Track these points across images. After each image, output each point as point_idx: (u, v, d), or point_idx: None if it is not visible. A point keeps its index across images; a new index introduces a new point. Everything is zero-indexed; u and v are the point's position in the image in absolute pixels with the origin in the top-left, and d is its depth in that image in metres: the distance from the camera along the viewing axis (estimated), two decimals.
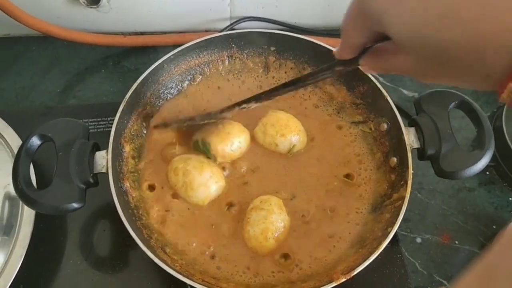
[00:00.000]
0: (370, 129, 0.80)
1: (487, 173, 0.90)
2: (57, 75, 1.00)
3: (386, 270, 0.74)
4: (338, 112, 0.85)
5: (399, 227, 0.81)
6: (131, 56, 1.04)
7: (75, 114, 0.86)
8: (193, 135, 0.77)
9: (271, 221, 0.68)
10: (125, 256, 0.74)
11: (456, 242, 0.82)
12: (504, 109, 0.92)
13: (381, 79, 1.02)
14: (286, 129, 0.78)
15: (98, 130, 0.87)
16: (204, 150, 0.75)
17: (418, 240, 0.82)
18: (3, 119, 0.82)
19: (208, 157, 0.75)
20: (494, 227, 0.84)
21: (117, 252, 0.75)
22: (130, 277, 0.73)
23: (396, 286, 0.73)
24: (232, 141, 0.76)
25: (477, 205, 0.87)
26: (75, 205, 0.62)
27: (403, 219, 0.82)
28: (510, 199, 0.88)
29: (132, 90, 0.75)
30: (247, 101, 0.70)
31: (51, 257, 0.74)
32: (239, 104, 0.71)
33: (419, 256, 0.81)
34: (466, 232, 0.83)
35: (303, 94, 0.87)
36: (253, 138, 0.80)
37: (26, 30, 0.94)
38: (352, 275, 0.61)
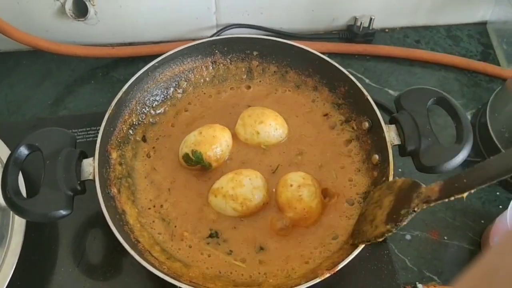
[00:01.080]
0: (353, 128, 0.82)
1: (464, 161, 0.90)
2: (48, 87, 1.01)
3: (374, 266, 0.75)
4: (323, 114, 0.86)
5: None
6: (120, 66, 1.05)
7: (65, 125, 0.86)
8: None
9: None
10: (116, 263, 0.75)
11: (445, 238, 0.83)
12: (488, 105, 0.93)
13: (367, 80, 1.04)
14: (263, 116, 0.80)
15: (88, 139, 0.88)
16: (197, 161, 0.76)
17: (408, 237, 0.83)
18: None
19: (204, 166, 0.76)
20: (482, 221, 0.85)
21: (108, 259, 0.76)
22: (121, 283, 0.74)
23: (384, 282, 0.74)
24: (220, 142, 0.77)
25: (464, 200, 0.86)
26: (62, 212, 0.63)
27: None
28: (498, 193, 0.88)
29: (117, 99, 0.76)
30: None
31: (43, 265, 0.75)
32: None
33: (408, 253, 0.81)
34: (455, 227, 0.84)
35: (282, 97, 0.88)
36: (235, 138, 0.81)
37: (16, 45, 0.95)
38: (336, 270, 0.62)
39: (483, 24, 1.15)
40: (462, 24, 1.15)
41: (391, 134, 0.73)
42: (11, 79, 1.02)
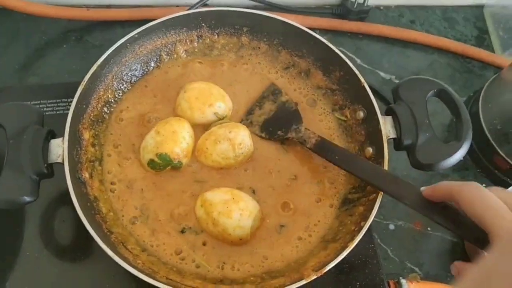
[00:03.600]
0: (346, 117, 0.77)
1: (461, 159, 0.89)
2: (15, 50, 0.93)
3: (358, 260, 0.72)
4: (313, 98, 0.81)
5: None
6: (96, 30, 0.97)
7: (33, 95, 0.81)
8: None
9: None
10: (87, 248, 0.70)
11: (429, 228, 0.82)
12: (482, 94, 0.90)
13: (358, 61, 1.00)
14: (211, 98, 0.75)
15: (57, 112, 0.80)
16: (166, 164, 0.69)
17: (391, 226, 0.82)
18: None
19: (175, 167, 0.70)
20: None
21: (77, 244, 0.70)
22: (92, 269, 0.69)
23: (367, 276, 0.71)
24: (183, 135, 0.70)
25: None
26: (27, 198, 0.58)
27: None
28: (484, 185, 0.86)
29: (90, 73, 0.69)
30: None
31: (7, 250, 0.69)
32: None
33: (391, 243, 0.80)
34: None
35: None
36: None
37: None
38: (324, 271, 0.58)
39: (480, 7, 1.11)
40: (458, 6, 1.12)
41: (387, 127, 0.69)
42: None
